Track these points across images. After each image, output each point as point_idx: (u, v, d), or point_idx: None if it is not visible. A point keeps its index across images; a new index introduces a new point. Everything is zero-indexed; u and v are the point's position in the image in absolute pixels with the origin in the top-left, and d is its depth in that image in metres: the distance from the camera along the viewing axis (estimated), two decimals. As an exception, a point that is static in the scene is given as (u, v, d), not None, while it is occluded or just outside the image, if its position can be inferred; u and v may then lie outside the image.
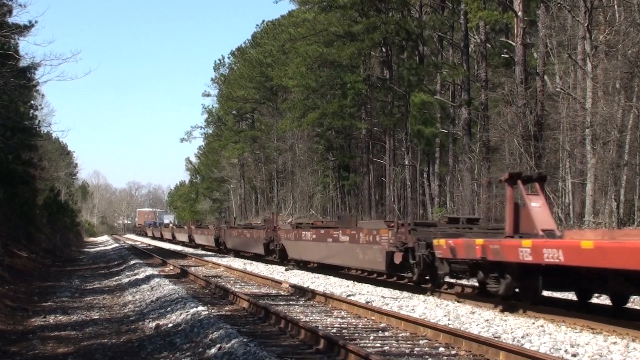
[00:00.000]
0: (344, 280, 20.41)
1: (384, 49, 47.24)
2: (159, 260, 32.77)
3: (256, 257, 33.01)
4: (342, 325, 11.85)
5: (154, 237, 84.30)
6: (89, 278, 25.49)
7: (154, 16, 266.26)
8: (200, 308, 13.50)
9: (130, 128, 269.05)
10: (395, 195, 45.35)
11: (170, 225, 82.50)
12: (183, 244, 56.04)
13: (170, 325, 12.51)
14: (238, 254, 36.35)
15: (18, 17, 25.14)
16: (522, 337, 10.33)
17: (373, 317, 12.47)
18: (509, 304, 13.19)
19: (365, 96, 48.89)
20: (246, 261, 31.70)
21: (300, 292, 16.89)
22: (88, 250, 57.93)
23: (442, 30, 40.53)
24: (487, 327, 11.19)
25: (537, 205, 13.55)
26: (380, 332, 11.16)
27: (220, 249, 40.09)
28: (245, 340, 9.69)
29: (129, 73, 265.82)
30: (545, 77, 29.78)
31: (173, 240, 63.04)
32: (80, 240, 76.93)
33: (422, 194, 42.19)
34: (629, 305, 12.72)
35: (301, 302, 15.32)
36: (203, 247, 46.72)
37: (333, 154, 56.76)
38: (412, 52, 43.82)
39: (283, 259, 27.49)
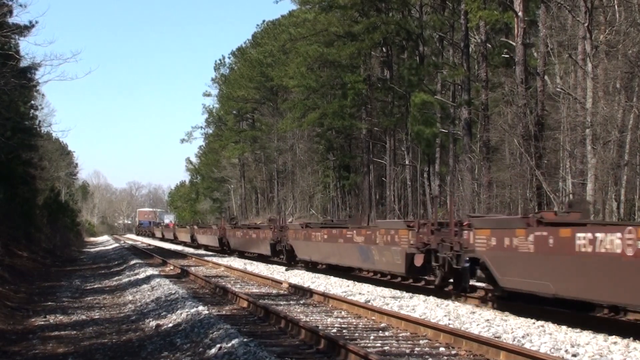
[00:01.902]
0: (344, 280, 20.40)
1: (384, 49, 47.22)
2: (159, 260, 32.77)
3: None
4: (343, 325, 11.86)
5: (163, 239, 72.80)
6: (89, 278, 25.48)
7: (154, 16, 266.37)
8: (201, 308, 13.50)
9: (130, 128, 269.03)
10: (395, 195, 45.34)
11: (189, 224, 64.35)
12: (206, 248, 44.80)
13: (170, 325, 12.51)
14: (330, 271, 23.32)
15: (18, 17, 25.08)
16: (523, 337, 10.33)
17: (373, 317, 12.47)
18: None
19: (365, 96, 48.87)
20: (246, 261, 31.69)
21: (301, 292, 16.89)
22: (88, 250, 57.93)
23: (442, 30, 40.50)
24: (488, 327, 11.19)
25: None
26: (380, 332, 11.16)
27: (280, 258, 28.00)
28: (245, 340, 9.69)
29: (130, 73, 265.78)
30: (546, 77, 29.76)
31: (192, 244, 50.41)
32: (81, 240, 76.90)
33: (422, 194, 42.18)
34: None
35: (301, 302, 15.33)
36: (241, 254, 35.31)
37: (333, 154, 56.73)
38: (412, 52, 43.80)
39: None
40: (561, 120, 27.92)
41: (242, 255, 35.19)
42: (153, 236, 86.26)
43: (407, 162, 43.79)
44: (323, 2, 46.25)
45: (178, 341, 10.86)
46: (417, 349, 9.71)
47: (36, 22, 25.34)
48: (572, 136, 26.60)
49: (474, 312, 13.01)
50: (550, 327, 11.30)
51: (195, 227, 52.51)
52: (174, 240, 61.79)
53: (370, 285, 18.42)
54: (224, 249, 38.96)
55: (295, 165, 66.47)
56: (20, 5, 23.07)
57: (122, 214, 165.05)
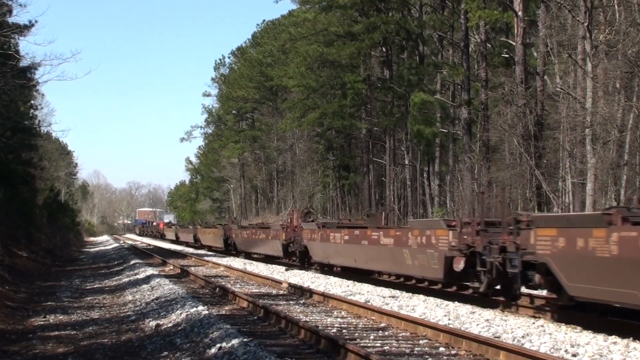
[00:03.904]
0: (344, 280, 20.40)
1: (384, 49, 47.23)
2: (159, 260, 32.76)
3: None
4: (342, 325, 11.86)
5: (177, 241, 59.23)
6: (89, 278, 25.48)
7: (154, 16, 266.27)
8: (201, 308, 13.50)
9: (130, 128, 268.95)
10: (395, 195, 45.34)
11: (222, 224, 44.81)
12: (248, 256, 34.33)
13: (170, 325, 12.51)
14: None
15: (18, 17, 25.12)
16: (523, 336, 10.33)
17: (373, 317, 12.47)
18: None
19: (365, 96, 48.88)
20: (246, 261, 31.68)
21: (300, 291, 16.90)
22: (88, 250, 57.90)
23: (442, 29, 40.50)
24: (488, 327, 11.19)
25: None
26: (380, 331, 11.16)
27: (474, 285, 14.95)
28: (245, 340, 9.69)
29: (129, 73, 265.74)
30: (545, 76, 29.77)
31: (226, 251, 38.41)
32: (80, 240, 76.85)
33: (422, 193, 42.18)
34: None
35: (301, 302, 15.33)
36: (329, 270, 23.10)
37: (333, 154, 56.75)
38: (412, 51, 43.80)
39: None
40: (561, 120, 27.92)
41: (327, 270, 23.22)
42: (162, 237, 74.17)
43: (406, 162, 43.79)
44: (323, 2, 46.24)
45: (178, 341, 10.86)
46: (417, 348, 9.71)
47: (36, 22, 25.40)
48: (572, 136, 26.60)
49: (473, 312, 13.01)
50: (550, 327, 11.30)
51: (234, 227, 37.85)
52: (196, 244, 48.62)
53: (370, 285, 18.42)
54: (291, 259, 27.16)
55: (295, 165, 66.48)
56: (20, 5, 23.13)
57: (121, 213, 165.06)
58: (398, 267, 17.70)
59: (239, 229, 36.10)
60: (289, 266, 26.53)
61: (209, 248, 43.62)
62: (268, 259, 31.05)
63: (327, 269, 23.31)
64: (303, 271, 24.33)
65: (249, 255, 34.19)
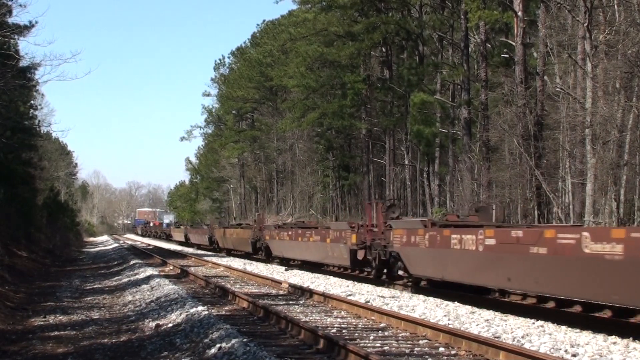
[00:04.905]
0: (344, 280, 20.39)
1: (384, 49, 47.25)
2: (159, 260, 32.76)
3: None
4: (342, 325, 11.85)
5: (186, 243, 53.23)
6: (89, 278, 25.48)
7: (154, 16, 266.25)
8: (200, 308, 13.50)
9: (130, 128, 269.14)
10: (395, 195, 45.34)
11: (248, 223, 41.65)
12: (291, 263, 27.38)
13: (170, 325, 12.51)
14: None
15: (18, 17, 25.14)
16: (522, 337, 10.33)
17: (373, 317, 12.47)
18: None
19: (365, 96, 48.89)
20: (246, 261, 31.66)
21: (300, 292, 16.89)
22: (88, 250, 57.90)
23: (442, 30, 40.53)
24: (487, 327, 11.19)
25: None
26: (380, 332, 11.16)
27: None
28: (245, 340, 9.69)
29: (129, 73, 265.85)
30: (545, 77, 29.77)
31: (256, 257, 32.31)
32: (80, 240, 76.87)
33: (422, 193, 42.19)
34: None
35: (301, 302, 15.33)
36: (444, 292, 15.83)
37: (333, 154, 56.76)
38: (412, 52, 43.82)
39: None
40: (561, 120, 27.92)
41: (430, 289, 16.60)
42: (167, 238, 69.57)
43: (406, 162, 43.81)
44: (323, 2, 46.28)
45: (178, 341, 10.86)
46: (416, 349, 9.71)
47: (36, 22, 25.44)
48: (572, 136, 26.60)
49: (473, 312, 13.01)
50: (549, 327, 11.30)
51: (268, 226, 30.98)
52: (208, 247, 43.42)
53: (370, 286, 18.41)
54: (361, 271, 20.95)
55: (295, 165, 66.48)
56: (20, 5, 23.15)
57: (121, 214, 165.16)
58: (631, 296, 9.96)
59: (276, 230, 28.93)
60: (360, 280, 20.15)
61: (229, 251, 38.19)
62: (309, 268, 24.86)
63: (426, 285, 16.80)
64: (302, 271, 24.26)
65: (287, 262, 27.70)
